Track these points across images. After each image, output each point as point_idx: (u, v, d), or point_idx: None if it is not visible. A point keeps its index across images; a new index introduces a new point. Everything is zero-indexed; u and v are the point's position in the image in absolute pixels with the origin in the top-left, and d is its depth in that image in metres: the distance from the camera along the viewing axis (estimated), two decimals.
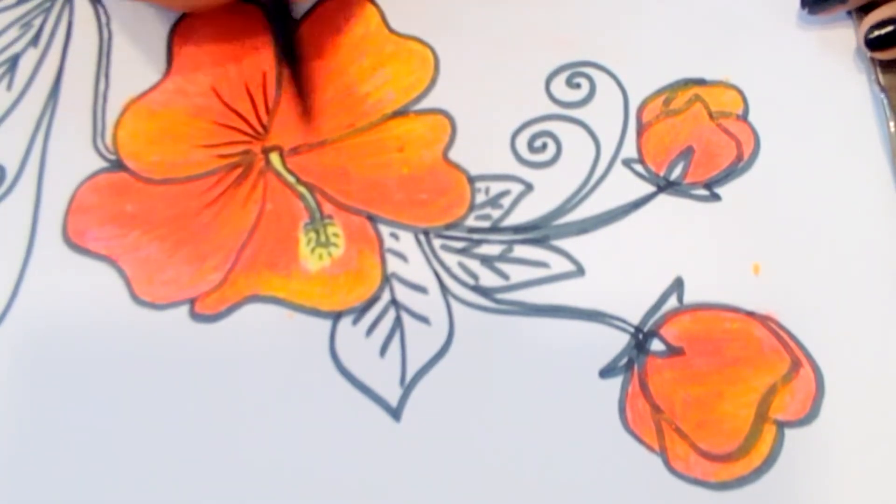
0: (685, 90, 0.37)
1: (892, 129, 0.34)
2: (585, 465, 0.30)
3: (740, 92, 0.36)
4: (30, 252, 0.35)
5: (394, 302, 0.33)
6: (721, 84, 0.37)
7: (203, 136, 0.37)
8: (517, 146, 0.36)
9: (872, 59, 0.35)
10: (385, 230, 0.35)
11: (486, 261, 0.34)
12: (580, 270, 0.34)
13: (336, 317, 0.33)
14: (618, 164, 0.35)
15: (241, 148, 0.37)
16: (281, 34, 0.37)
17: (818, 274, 0.33)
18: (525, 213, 0.35)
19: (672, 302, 0.33)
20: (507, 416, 0.31)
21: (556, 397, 0.31)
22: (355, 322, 0.33)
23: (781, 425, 0.31)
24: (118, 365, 0.33)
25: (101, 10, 0.41)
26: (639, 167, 0.35)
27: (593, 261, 0.34)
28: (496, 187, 0.35)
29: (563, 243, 0.34)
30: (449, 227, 0.35)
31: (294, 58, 0.37)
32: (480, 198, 0.35)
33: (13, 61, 0.40)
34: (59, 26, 0.40)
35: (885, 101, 0.35)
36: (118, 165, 0.37)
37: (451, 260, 0.34)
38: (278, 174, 0.36)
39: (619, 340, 0.32)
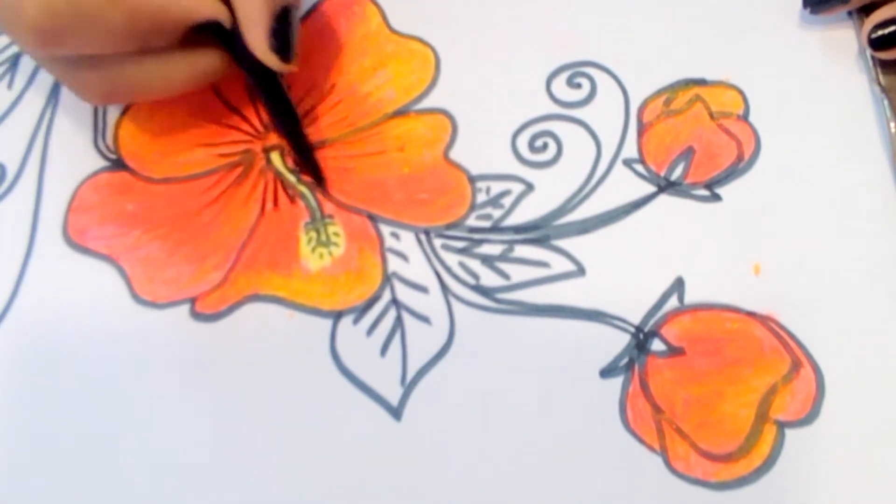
0: (686, 90, 0.37)
1: (893, 130, 0.34)
2: (585, 464, 0.30)
3: (741, 92, 0.36)
4: (30, 251, 0.35)
5: (394, 301, 0.33)
6: (722, 84, 0.37)
7: (203, 136, 0.37)
8: (518, 146, 0.36)
9: (873, 60, 0.35)
10: (386, 229, 0.35)
11: (487, 260, 0.34)
12: (581, 270, 0.34)
13: (337, 316, 0.33)
14: (618, 164, 0.35)
15: (241, 147, 0.37)
16: (271, 101, 0.35)
17: (818, 274, 0.33)
18: (526, 212, 0.35)
19: (672, 302, 0.33)
20: (507, 416, 0.31)
21: (557, 397, 0.31)
22: (356, 321, 0.33)
23: (782, 425, 0.31)
24: (118, 364, 0.33)
25: None
26: (639, 167, 0.35)
27: (594, 261, 0.34)
28: (497, 187, 0.35)
29: (563, 243, 0.34)
30: (450, 226, 0.35)
31: (289, 123, 0.35)
32: (481, 197, 0.35)
33: (14, 60, 0.40)
34: None
35: (886, 102, 0.35)
36: (119, 164, 0.37)
37: (452, 259, 0.34)
38: (279, 173, 0.36)
39: (619, 340, 0.32)
